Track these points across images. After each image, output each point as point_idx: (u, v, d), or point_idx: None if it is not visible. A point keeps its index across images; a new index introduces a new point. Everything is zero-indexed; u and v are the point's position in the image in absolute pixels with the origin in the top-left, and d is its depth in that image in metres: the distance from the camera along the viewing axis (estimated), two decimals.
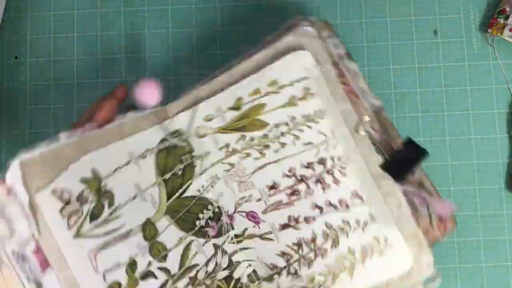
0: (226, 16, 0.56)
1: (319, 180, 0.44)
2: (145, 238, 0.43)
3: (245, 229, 0.45)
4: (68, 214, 0.41)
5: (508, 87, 0.55)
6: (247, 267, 0.45)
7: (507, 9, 0.54)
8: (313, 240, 0.44)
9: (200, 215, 0.44)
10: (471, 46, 0.56)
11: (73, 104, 0.56)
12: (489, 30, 0.54)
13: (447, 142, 0.55)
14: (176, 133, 0.45)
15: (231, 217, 0.45)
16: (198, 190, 0.44)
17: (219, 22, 0.57)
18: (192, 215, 0.44)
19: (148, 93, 0.45)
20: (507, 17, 0.54)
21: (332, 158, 0.44)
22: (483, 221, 0.54)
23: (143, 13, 0.57)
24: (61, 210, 0.41)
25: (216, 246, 0.44)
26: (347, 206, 0.44)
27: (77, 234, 0.41)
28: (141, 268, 0.42)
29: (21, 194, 0.41)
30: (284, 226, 0.44)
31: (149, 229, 0.43)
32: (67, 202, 0.41)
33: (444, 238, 0.45)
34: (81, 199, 0.42)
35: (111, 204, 0.42)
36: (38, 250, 0.41)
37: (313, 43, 0.44)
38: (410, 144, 0.46)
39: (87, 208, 0.42)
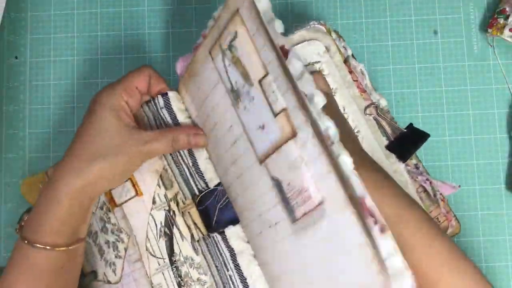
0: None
1: None
2: None
3: None
4: None
5: (508, 87, 0.55)
6: None
7: (507, 9, 0.54)
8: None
9: None
10: (471, 46, 0.56)
11: (73, 104, 0.56)
12: (489, 30, 0.54)
13: (447, 142, 0.55)
14: None
15: None
16: None
17: None
18: None
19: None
20: (507, 17, 0.54)
21: None
22: (483, 221, 0.54)
23: (143, 12, 0.57)
24: None
25: None
26: None
27: None
28: None
29: None
30: None
31: None
32: None
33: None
34: None
35: None
36: None
37: (324, 37, 0.50)
38: (412, 128, 0.51)
39: None
